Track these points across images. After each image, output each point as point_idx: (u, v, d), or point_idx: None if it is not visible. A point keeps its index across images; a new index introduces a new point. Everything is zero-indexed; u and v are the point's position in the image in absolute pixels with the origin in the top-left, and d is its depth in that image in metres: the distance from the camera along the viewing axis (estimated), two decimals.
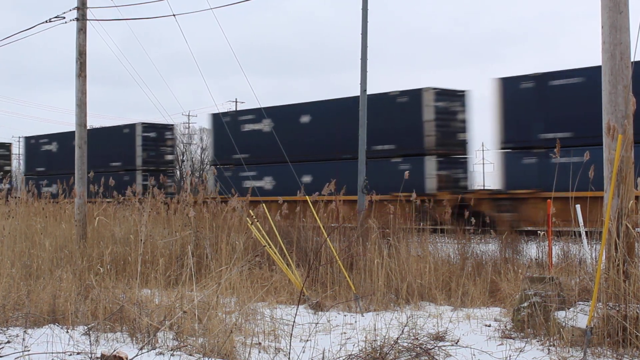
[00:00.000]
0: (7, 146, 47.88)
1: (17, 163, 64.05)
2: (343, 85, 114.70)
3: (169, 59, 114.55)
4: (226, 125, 27.11)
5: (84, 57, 14.49)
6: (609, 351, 6.44)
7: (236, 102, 67.78)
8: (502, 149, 21.91)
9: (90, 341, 6.58)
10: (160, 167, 34.16)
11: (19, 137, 70.61)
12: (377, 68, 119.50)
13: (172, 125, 35.90)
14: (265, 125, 27.40)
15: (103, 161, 32.99)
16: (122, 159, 34.17)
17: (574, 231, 10.96)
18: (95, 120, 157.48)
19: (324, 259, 10.64)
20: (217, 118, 29.86)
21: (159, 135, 34.54)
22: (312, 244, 11.61)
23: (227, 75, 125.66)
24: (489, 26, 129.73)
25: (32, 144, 40.28)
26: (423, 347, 6.48)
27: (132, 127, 34.39)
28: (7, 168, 46.37)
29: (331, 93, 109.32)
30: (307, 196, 11.68)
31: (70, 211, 15.12)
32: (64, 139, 36.22)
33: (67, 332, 7.12)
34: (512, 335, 7.36)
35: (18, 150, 65.57)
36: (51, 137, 38.67)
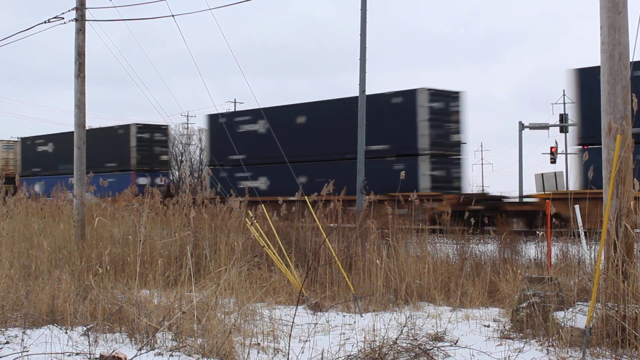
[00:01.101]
0: (163, 129, 35.83)
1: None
2: (344, 85, 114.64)
3: (169, 59, 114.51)
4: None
5: (82, 58, 14.47)
6: (607, 351, 6.44)
7: (235, 102, 67.83)
8: None
9: (89, 342, 6.58)
10: (448, 152, 24.42)
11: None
12: (377, 68, 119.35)
13: (458, 92, 24.93)
14: None
15: (350, 144, 21.30)
16: (392, 140, 23.53)
17: (574, 232, 10.97)
18: (95, 120, 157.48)
19: (323, 259, 10.63)
20: None
21: (445, 107, 24.14)
22: (310, 244, 11.60)
23: (227, 75, 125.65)
24: (489, 26, 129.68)
25: (222, 124, 28.36)
26: (422, 347, 6.48)
27: (409, 94, 23.56)
28: (163, 157, 35.55)
29: (332, 94, 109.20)
30: None
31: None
32: (277, 115, 25.96)
33: (66, 332, 7.11)
34: (511, 336, 7.37)
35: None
36: (254, 114, 27.50)
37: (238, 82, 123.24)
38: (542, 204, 15.45)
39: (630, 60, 7.28)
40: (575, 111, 21.64)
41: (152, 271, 9.77)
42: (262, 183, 25.02)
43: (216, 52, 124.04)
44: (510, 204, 22.11)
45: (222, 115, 30.45)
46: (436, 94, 24.13)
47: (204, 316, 7.11)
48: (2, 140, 45.59)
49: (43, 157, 39.25)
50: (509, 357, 6.40)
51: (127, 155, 34.13)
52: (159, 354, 6.41)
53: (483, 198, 22.15)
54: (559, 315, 7.05)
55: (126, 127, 34.93)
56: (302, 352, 6.46)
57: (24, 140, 42.79)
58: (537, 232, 11.49)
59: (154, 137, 35.01)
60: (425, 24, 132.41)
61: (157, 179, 31.64)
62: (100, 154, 32.87)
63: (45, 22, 14.96)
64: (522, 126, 40.22)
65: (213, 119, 30.21)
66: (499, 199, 22.48)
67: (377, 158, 23.38)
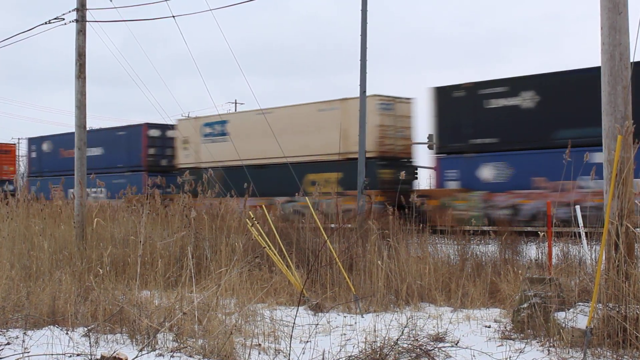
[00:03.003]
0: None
1: None
2: (345, 86, 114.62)
3: (172, 59, 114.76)
4: None
5: (83, 59, 14.47)
6: (608, 352, 6.44)
7: (235, 103, 67.71)
8: None
9: (90, 343, 6.58)
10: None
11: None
12: (379, 69, 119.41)
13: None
14: None
15: None
16: None
17: (574, 232, 10.97)
18: (95, 121, 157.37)
19: (323, 260, 10.63)
20: None
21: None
22: (311, 245, 11.60)
23: (229, 75, 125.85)
24: (492, 27, 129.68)
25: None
26: (423, 348, 6.48)
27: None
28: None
29: (333, 94, 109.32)
30: None
31: None
32: None
33: (67, 333, 7.12)
34: (512, 336, 7.36)
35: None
36: None
37: (239, 82, 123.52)
38: None
39: (631, 60, 7.28)
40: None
41: (152, 272, 9.78)
42: None
43: (218, 52, 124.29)
44: None
45: None
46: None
47: (205, 317, 7.11)
48: (377, 95, 23.73)
49: (502, 117, 20.70)
50: (509, 357, 6.40)
51: None
52: (160, 354, 6.41)
53: None
54: (560, 315, 7.04)
55: None
56: (303, 353, 6.46)
57: (440, 91, 22.34)
58: (539, 232, 11.49)
59: None
60: (426, 24, 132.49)
61: None
62: (567, 115, 18.82)
63: (45, 23, 14.97)
64: None
65: None
66: None
67: None
